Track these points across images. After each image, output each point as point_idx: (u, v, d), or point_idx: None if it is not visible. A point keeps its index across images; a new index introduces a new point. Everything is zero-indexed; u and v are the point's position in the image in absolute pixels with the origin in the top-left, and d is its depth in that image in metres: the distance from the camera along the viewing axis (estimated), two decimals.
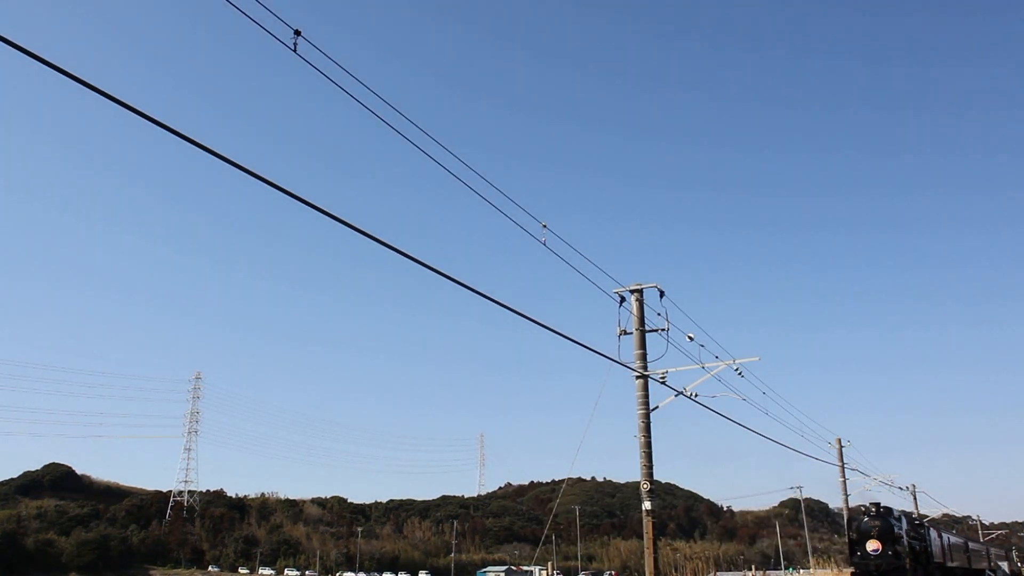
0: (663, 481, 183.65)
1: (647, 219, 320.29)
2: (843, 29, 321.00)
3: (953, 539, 41.45)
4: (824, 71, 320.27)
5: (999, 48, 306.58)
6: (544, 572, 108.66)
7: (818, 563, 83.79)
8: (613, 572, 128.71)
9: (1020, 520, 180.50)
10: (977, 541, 56.53)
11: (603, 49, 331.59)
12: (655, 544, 17.85)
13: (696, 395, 20.44)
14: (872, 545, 30.29)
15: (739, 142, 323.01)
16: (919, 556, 31.94)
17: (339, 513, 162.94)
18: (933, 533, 35.77)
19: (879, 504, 31.78)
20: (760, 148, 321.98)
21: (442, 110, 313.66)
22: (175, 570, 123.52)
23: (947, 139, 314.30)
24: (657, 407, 18.84)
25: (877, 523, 30.61)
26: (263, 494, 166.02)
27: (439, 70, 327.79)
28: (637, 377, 18.59)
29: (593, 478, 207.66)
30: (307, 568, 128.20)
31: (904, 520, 32.47)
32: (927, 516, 53.73)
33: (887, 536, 30.15)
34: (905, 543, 30.63)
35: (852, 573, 31.28)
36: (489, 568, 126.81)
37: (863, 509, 32.83)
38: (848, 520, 35.66)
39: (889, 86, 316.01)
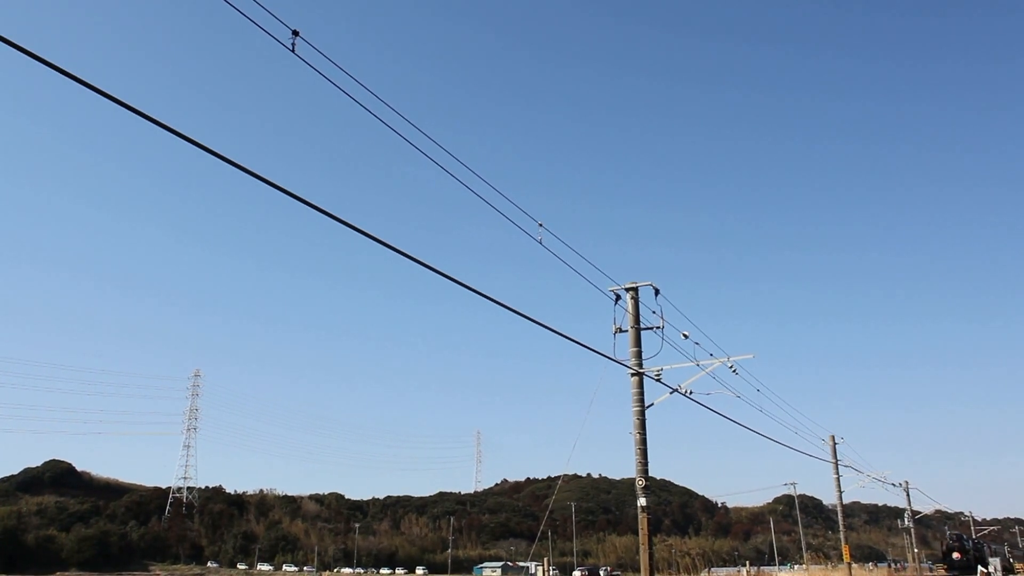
0: (658, 478, 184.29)
1: (644, 217, 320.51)
2: (836, 21, 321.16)
3: (996, 547, 71.82)
4: (820, 61, 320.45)
5: (1002, 43, 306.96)
6: (540, 568, 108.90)
7: (812, 559, 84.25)
8: (608, 568, 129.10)
9: (1012, 516, 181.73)
10: (1015, 547, 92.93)
11: (601, 43, 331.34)
12: (650, 540, 18.07)
13: (691, 392, 20.68)
14: (956, 555, 59.79)
15: (736, 137, 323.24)
16: (979, 560, 59.44)
17: (337, 509, 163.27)
18: (984, 546, 66.36)
19: (959, 534, 67.41)
20: (757, 143, 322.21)
21: (440, 107, 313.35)
22: (174, 566, 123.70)
23: (945, 132, 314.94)
24: (652, 404, 19.06)
25: (958, 543, 61.40)
26: (262, 490, 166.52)
27: (437, 68, 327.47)
28: (632, 374, 18.79)
29: (589, 475, 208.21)
30: (305, 564, 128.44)
31: (971, 541, 64.69)
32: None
33: (963, 550, 60.17)
34: (972, 554, 59.72)
35: (946, 569, 61.64)
36: (486, 564, 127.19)
37: (951, 536, 65.20)
38: (941, 541, 69.97)
39: (887, 79, 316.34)
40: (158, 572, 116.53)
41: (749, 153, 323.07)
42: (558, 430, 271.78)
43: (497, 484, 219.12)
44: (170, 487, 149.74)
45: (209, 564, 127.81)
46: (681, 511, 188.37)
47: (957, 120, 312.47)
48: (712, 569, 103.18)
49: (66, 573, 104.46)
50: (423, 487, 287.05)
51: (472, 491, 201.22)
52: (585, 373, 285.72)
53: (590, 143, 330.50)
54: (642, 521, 18.12)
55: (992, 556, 62.61)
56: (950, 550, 61.21)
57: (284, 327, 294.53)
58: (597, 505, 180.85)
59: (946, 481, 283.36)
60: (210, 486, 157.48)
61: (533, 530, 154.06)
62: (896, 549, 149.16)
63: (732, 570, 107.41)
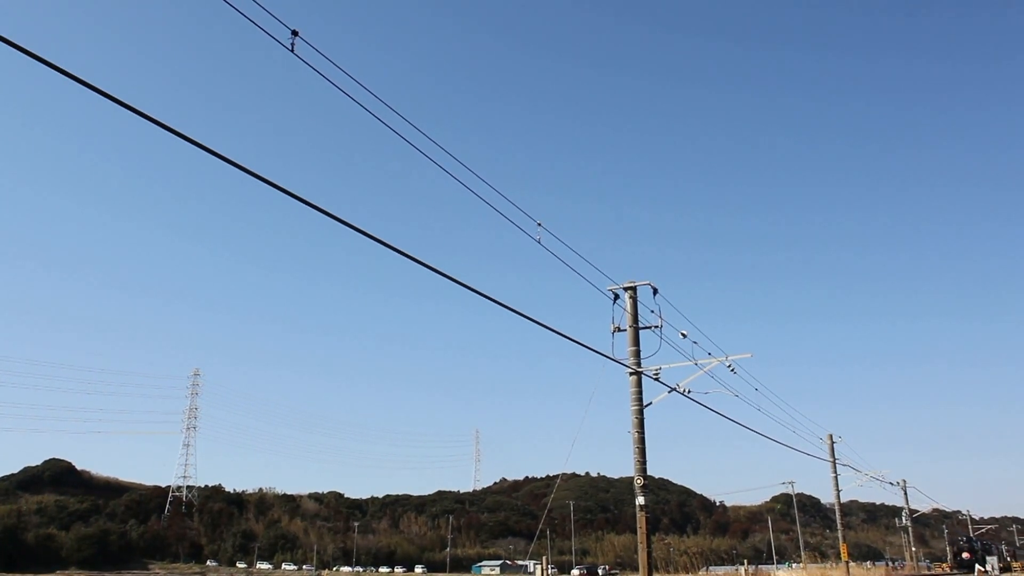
0: (656, 476, 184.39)
1: (643, 217, 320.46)
2: (836, 21, 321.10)
3: (996, 546, 79.38)
4: (820, 61, 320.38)
5: (1000, 43, 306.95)
6: (539, 567, 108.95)
7: (810, 558, 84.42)
8: (607, 566, 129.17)
9: (1009, 515, 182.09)
10: (1013, 545, 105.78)
11: (601, 43, 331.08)
12: (648, 539, 18.14)
13: (689, 391, 20.76)
14: (965, 555, 68.74)
15: (735, 137, 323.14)
16: (983, 559, 66.66)
17: (336, 508, 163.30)
18: (992, 546, 74.87)
19: (969, 536, 77.26)
20: (756, 143, 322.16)
21: (440, 107, 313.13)
22: (174, 565, 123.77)
23: (945, 132, 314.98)
24: (651, 403, 19.15)
25: (967, 545, 70.80)
26: (261, 489, 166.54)
27: (437, 68, 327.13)
28: (631, 374, 18.86)
29: (587, 473, 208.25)
30: (304, 563, 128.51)
31: (979, 542, 73.19)
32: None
33: (972, 551, 69.08)
34: (979, 553, 67.55)
35: (954, 565, 70.71)
36: (484, 563, 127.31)
37: (960, 539, 75.05)
38: (951, 543, 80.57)
39: (887, 79, 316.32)
40: (158, 571, 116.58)
41: (748, 153, 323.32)
42: (557, 429, 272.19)
43: (496, 483, 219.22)
44: (170, 486, 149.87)
45: (208, 563, 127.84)
46: (679, 510, 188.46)
47: (957, 120, 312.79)
48: (710, 568, 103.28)
49: (66, 572, 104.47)
50: (422, 486, 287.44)
51: (471, 490, 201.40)
52: (584, 372, 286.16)
53: (590, 143, 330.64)
54: (640, 520, 18.20)
55: (990, 555, 64.38)
56: (960, 550, 70.89)
57: (284, 326, 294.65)
58: (595, 504, 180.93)
59: (944, 480, 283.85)
60: (209, 485, 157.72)
61: (532, 529, 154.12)
62: (894, 548, 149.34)
63: (730, 569, 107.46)
